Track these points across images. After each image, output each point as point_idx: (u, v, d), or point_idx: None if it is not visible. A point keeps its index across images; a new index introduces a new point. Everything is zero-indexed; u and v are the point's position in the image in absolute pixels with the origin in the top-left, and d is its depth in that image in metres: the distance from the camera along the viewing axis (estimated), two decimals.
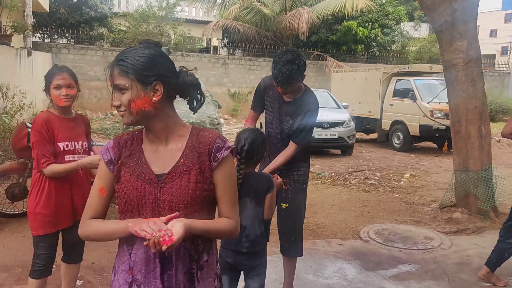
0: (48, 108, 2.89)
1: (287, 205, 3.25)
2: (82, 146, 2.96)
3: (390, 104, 12.55)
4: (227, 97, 19.38)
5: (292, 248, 3.36)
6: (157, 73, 1.50)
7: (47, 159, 2.74)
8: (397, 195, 6.98)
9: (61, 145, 2.82)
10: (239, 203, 2.59)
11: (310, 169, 8.77)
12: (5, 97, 8.24)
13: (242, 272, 2.71)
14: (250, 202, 2.63)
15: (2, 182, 5.09)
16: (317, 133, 10.40)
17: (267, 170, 3.06)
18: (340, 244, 4.77)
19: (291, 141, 3.17)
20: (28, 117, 9.81)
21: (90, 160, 2.76)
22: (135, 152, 1.59)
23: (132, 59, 1.49)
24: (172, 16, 20.38)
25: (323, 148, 11.19)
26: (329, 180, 7.82)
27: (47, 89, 2.83)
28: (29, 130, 4.83)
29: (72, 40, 20.15)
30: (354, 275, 4.03)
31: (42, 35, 20.34)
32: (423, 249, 4.68)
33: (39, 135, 2.74)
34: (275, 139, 3.30)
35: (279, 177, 2.83)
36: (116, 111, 1.68)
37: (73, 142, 2.89)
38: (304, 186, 3.35)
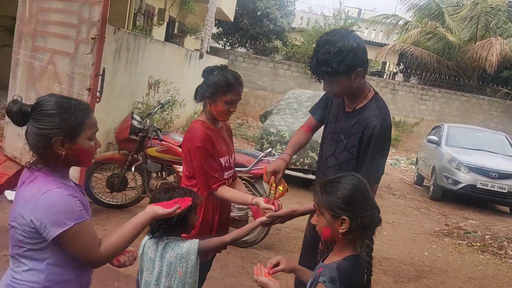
0: (197, 116, 2.51)
1: None
2: (234, 159, 2.57)
3: None
4: None
5: None
6: None
7: (216, 179, 2.34)
8: None
9: (222, 160, 2.42)
10: None
11: (461, 224, 7.36)
12: (156, 91, 8.64)
13: None
14: None
15: (105, 171, 5.11)
16: (481, 182, 8.65)
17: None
18: None
19: None
20: (179, 114, 10.26)
21: (268, 208, 2.19)
22: None
23: None
24: None
25: (487, 202, 9.27)
26: (479, 244, 6.23)
27: (212, 97, 2.36)
28: (133, 121, 4.77)
29: (251, 50, 21.13)
30: None
31: (225, 42, 21.76)
32: None
33: (205, 152, 2.33)
34: (324, 165, 2.41)
35: None
36: None
37: (229, 156, 2.49)
38: None
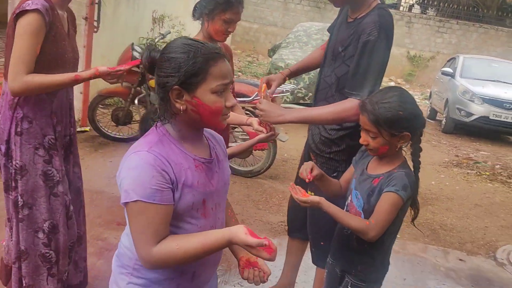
0: (195, 36, 2.39)
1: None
2: (233, 85, 2.55)
3: None
4: (404, 59, 17.47)
5: (317, 255, 2.40)
6: None
7: None
8: None
9: None
10: None
11: (471, 155, 7.31)
12: (161, 26, 8.45)
13: None
14: None
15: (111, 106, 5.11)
16: (494, 113, 8.49)
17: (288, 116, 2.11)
18: (460, 260, 3.57)
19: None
20: None
21: (260, 130, 2.14)
22: None
23: None
24: None
25: (501, 134, 9.14)
26: (488, 173, 6.20)
27: (210, 15, 2.27)
28: (134, 53, 4.68)
29: None
30: None
31: None
32: None
33: None
34: (324, 83, 2.25)
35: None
36: None
37: None
38: (334, 174, 2.18)
